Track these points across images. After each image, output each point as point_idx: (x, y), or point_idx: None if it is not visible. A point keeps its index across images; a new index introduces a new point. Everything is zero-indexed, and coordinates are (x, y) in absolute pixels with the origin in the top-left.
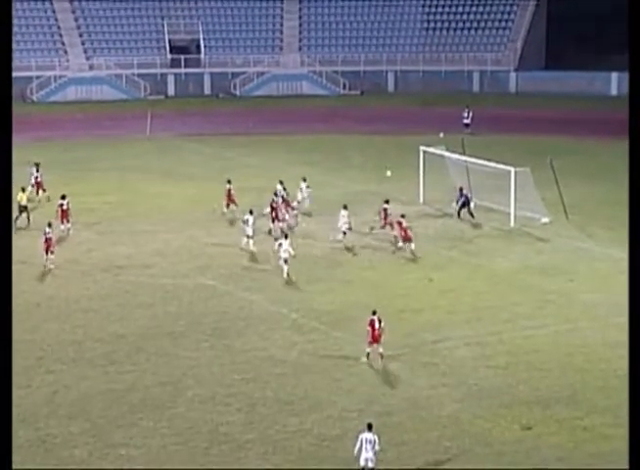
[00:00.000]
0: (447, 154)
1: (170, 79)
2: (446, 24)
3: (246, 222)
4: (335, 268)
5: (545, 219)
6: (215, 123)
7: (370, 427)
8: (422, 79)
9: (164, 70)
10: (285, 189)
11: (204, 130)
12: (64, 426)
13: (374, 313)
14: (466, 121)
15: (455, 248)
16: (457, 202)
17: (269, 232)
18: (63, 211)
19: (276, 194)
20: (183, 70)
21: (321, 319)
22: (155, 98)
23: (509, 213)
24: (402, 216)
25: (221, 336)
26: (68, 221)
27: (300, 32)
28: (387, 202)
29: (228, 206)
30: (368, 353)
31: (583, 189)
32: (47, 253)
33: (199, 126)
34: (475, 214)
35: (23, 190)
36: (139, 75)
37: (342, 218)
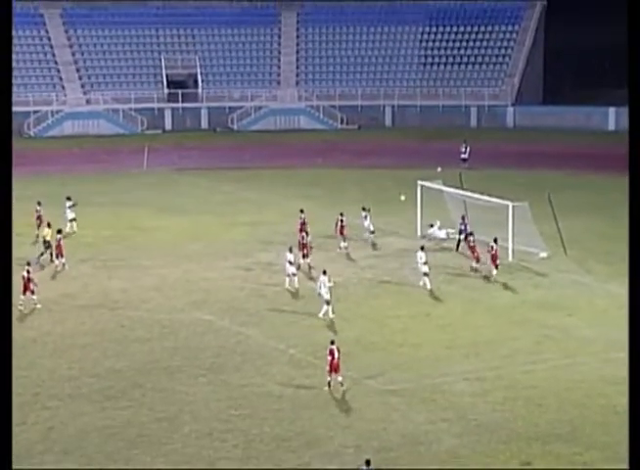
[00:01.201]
0: (445, 188)
1: (167, 114)
2: (444, 60)
3: (290, 261)
4: (332, 303)
5: (543, 254)
6: (213, 158)
7: (368, 463)
8: (419, 114)
9: (162, 105)
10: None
11: (201, 164)
12: (59, 462)
13: (332, 343)
14: (463, 156)
15: (453, 282)
16: (460, 232)
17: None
18: (58, 245)
19: (342, 221)
20: (180, 105)
21: (319, 355)
22: (152, 132)
23: (507, 248)
24: (495, 241)
25: (218, 371)
26: (62, 256)
27: (298, 67)
28: (471, 234)
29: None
30: (329, 382)
31: (582, 224)
32: (24, 293)
33: (196, 161)
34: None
35: (49, 225)
36: (136, 110)
37: (420, 260)
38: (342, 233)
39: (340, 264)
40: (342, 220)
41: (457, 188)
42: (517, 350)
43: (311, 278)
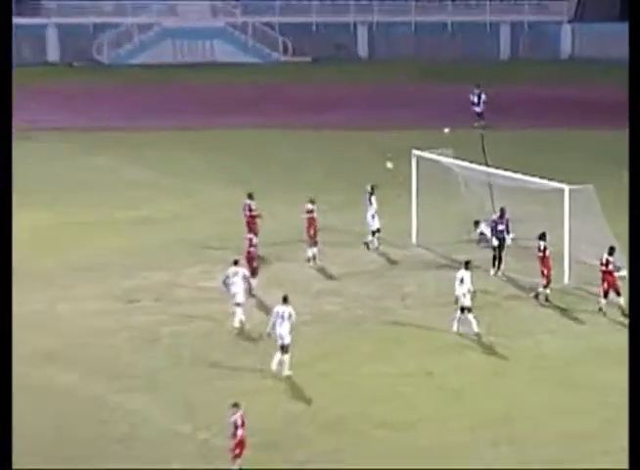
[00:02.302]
0: (456, 162)
1: None
2: None
3: (228, 282)
4: (275, 352)
5: (623, 271)
6: (71, 111)
7: None
8: (414, 38)
9: None
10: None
11: (53, 122)
12: None
13: (235, 407)
14: (477, 109)
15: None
16: (497, 236)
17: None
18: None
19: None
20: (14, 21)
21: (250, 441)
22: None
23: (561, 259)
24: (611, 253)
25: None
26: None
27: None
28: (543, 237)
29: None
30: None
31: None
32: None
33: (39, 115)
34: (502, 261)
35: None
36: None
37: (462, 287)
38: (310, 234)
39: (285, 288)
40: (310, 212)
41: (477, 162)
42: (575, 432)
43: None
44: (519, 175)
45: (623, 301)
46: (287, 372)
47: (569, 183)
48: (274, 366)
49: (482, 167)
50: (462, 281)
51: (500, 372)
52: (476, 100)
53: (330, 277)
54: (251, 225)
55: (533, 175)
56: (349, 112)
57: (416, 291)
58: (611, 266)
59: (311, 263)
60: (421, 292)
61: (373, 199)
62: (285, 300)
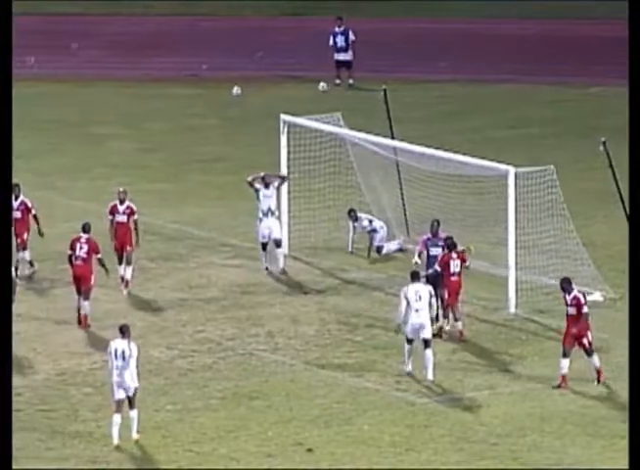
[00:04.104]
0: (350, 132)
1: None
2: None
3: None
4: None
5: (595, 295)
6: None
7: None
8: None
9: None
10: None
11: None
12: None
13: None
14: (341, 56)
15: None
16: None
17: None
18: None
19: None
20: None
21: None
22: None
23: (506, 279)
24: (564, 287)
25: None
26: None
27: None
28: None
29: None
30: None
31: None
32: None
33: None
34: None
35: None
36: None
37: (418, 313)
38: (123, 245)
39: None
40: (119, 210)
41: (374, 132)
42: None
43: None
44: (441, 153)
45: (597, 360)
46: (135, 435)
47: (510, 162)
48: (114, 430)
49: (388, 141)
50: (416, 299)
51: (411, 448)
52: (338, 40)
53: (154, 309)
54: (22, 231)
55: (462, 153)
56: (170, 56)
57: (289, 327)
58: (572, 309)
59: (122, 288)
60: (298, 328)
61: (265, 192)
62: (123, 331)
